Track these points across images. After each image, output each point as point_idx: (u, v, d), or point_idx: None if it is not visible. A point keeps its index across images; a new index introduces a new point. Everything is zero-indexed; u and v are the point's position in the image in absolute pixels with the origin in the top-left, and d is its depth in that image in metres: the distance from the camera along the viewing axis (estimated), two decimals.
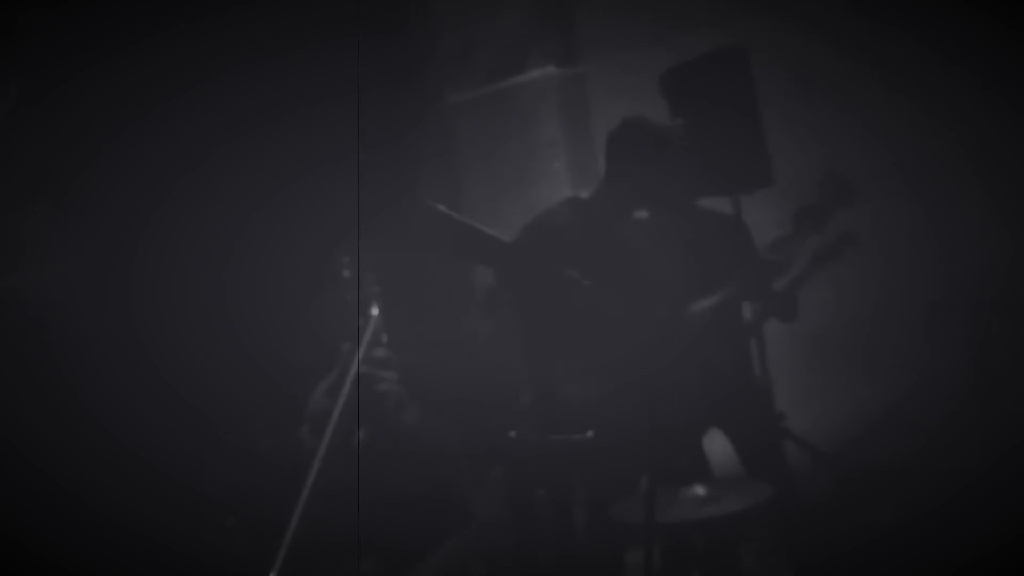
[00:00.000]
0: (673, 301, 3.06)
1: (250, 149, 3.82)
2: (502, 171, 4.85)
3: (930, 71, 4.06)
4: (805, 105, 4.28)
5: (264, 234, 3.43)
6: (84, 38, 3.19)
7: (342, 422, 1.50)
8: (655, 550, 2.18)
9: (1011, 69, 3.99)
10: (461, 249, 1.38)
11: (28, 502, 1.10)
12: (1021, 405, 3.90)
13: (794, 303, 3.37)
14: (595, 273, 2.37)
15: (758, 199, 3.86)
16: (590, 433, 1.59)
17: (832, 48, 4.21)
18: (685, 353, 2.94)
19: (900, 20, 4.08)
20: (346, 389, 1.43)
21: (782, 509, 2.93)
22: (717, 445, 3.27)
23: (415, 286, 4.15)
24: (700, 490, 2.65)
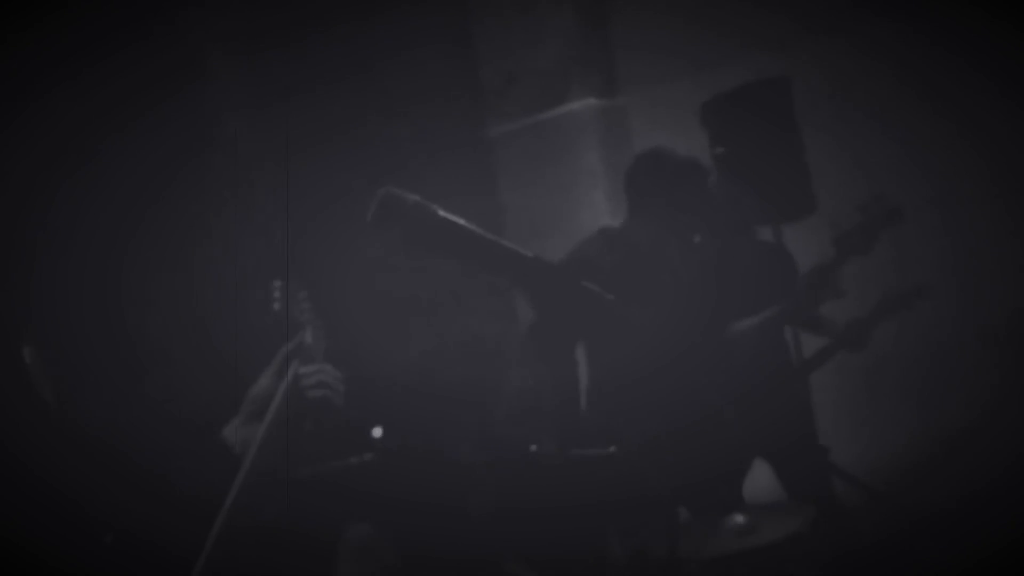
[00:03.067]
0: (712, 326, 3.03)
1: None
2: (543, 200, 4.87)
3: (975, 97, 4.02)
4: (847, 133, 4.25)
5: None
6: None
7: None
8: None
9: None
10: (488, 263, 1.37)
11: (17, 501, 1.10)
12: None
13: (865, 338, 3.37)
14: (632, 296, 2.36)
15: (801, 227, 3.83)
16: (612, 448, 1.57)
17: (875, 74, 4.19)
18: (724, 377, 2.91)
19: (944, 46, 4.05)
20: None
21: (828, 543, 2.87)
22: (759, 474, 3.22)
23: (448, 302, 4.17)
24: (739, 519, 2.60)
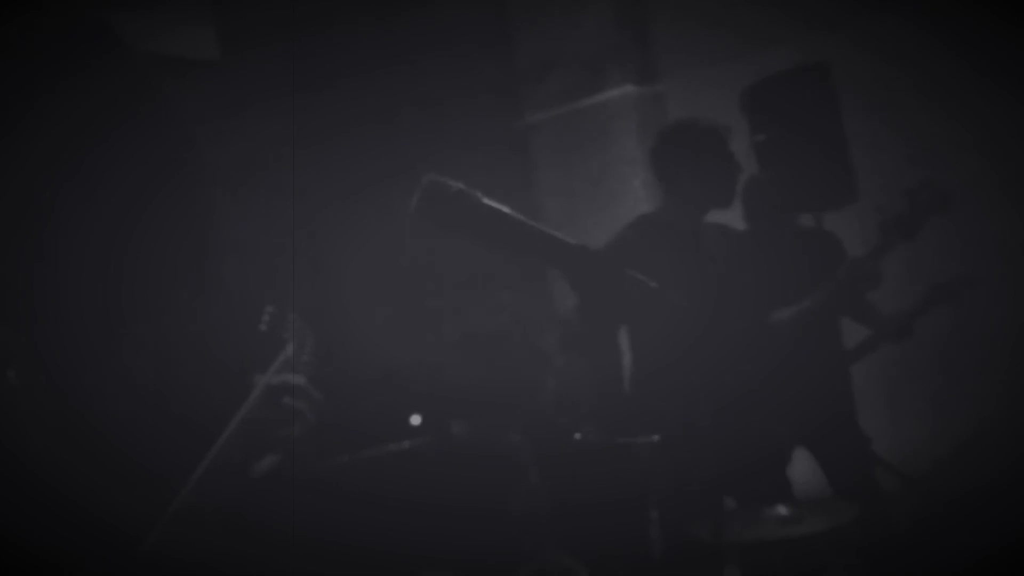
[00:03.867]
0: (755, 315, 3.01)
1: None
2: (581, 188, 4.85)
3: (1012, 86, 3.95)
4: (890, 119, 4.19)
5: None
6: None
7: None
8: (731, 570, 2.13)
9: None
10: (527, 251, 1.36)
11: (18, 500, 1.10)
12: None
13: (909, 329, 3.34)
14: (674, 283, 2.34)
15: (843, 215, 3.79)
16: (656, 437, 1.57)
17: (919, 58, 4.12)
18: (767, 366, 2.89)
19: (993, 28, 3.98)
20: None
21: (868, 532, 2.85)
22: (801, 465, 3.20)
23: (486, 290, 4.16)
24: (782, 510, 2.59)
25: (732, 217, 3.38)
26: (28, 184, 1.07)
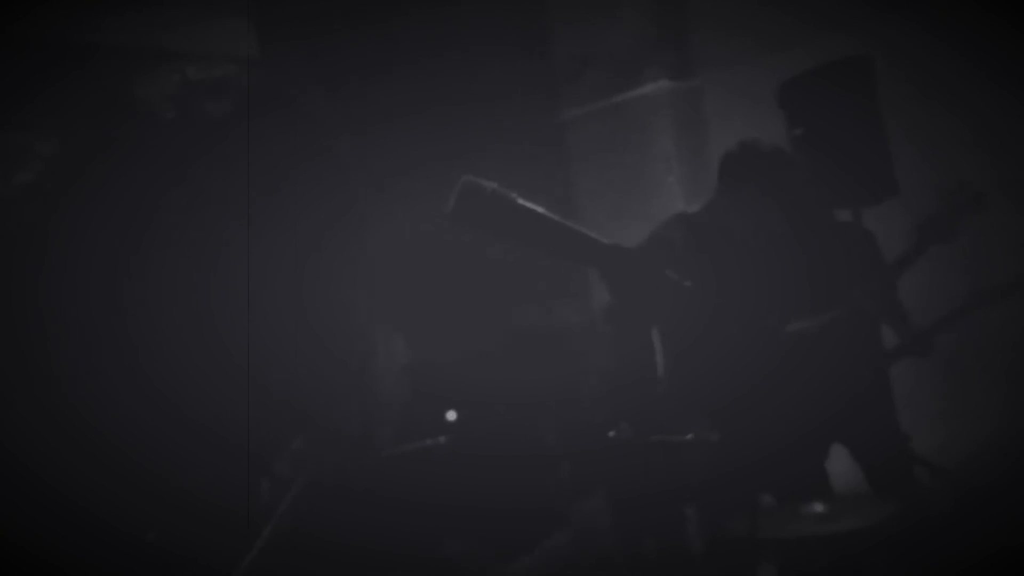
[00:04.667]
0: (791, 313, 3.00)
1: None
2: (617, 185, 4.85)
3: None
4: (930, 113, 4.14)
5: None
6: None
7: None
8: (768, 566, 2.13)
9: None
10: (560, 250, 1.38)
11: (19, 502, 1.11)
12: None
13: (931, 340, 3.31)
14: (710, 282, 2.34)
15: (882, 211, 3.75)
16: (690, 435, 1.58)
17: (958, 54, 4.07)
18: (801, 364, 2.88)
19: None
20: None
21: (906, 530, 2.83)
22: (838, 462, 3.19)
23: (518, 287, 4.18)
24: (819, 507, 2.58)
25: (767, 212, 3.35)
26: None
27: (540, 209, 1.34)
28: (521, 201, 1.36)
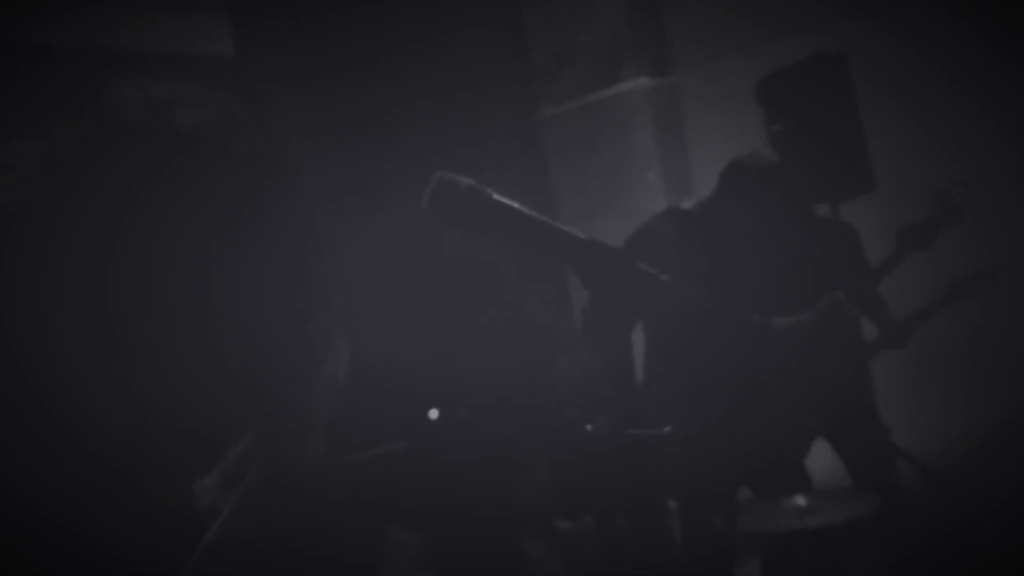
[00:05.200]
0: (773, 308, 3.00)
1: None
2: (595, 183, 4.85)
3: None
4: (906, 111, 4.16)
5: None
6: None
7: None
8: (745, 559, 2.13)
9: None
10: (534, 245, 1.37)
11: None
12: None
13: (909, 332, 3.34)
14: (695, 277, 2.35)
15: (859, 205, 3.77)
16: (667, 428, 1.57)
17: (931, 54, 4.08)
18: (783, 359, 2.88)
19: (1009, 23, 3.93)
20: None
21: (888, 523, 2.84)
22: (820, 456, 3.19)
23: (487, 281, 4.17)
24: (801, 501, 2.58)
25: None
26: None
27: (516, 205, 1.33)
28: (497, 197, 1.35)
